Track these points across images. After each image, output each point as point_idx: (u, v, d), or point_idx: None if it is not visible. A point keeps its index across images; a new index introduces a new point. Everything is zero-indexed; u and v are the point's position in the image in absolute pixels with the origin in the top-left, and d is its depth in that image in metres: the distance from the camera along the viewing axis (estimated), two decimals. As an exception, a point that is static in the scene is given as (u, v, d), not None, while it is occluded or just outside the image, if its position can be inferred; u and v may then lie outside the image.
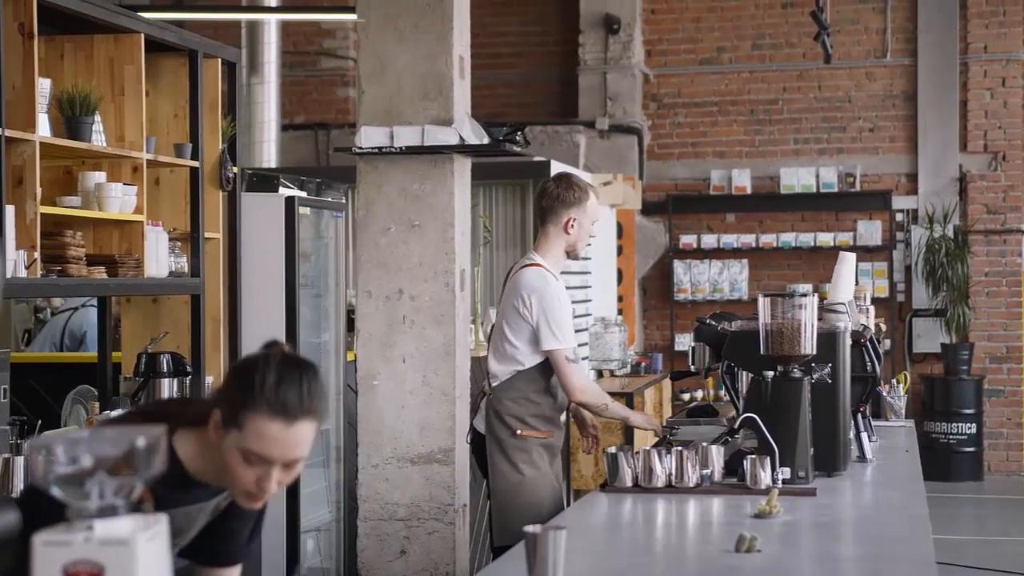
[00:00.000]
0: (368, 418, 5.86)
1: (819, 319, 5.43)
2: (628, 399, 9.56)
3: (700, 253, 13.27)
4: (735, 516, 4.05)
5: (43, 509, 2.25)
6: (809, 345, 4.66)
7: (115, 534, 1.87)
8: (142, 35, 5.33)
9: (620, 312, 12.44)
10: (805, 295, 4.74)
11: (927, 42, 13.00)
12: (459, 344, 5.87)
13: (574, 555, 3.46)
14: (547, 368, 5.27)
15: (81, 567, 1.85)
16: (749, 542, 3.52)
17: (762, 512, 4.02)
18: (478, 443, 5.41)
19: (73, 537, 1.87)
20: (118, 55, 5.32)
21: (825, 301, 5.47)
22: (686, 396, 12.23)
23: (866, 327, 5.96)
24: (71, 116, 4.95)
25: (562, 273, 5.44)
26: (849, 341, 5.02)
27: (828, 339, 4.84)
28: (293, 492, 6.40)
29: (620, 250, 12.64)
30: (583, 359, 10.27)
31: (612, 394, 9.41)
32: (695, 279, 13.25)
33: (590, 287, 10.59)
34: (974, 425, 12.55)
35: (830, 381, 4.83)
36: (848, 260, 6.00)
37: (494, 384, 5.30)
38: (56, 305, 9.07)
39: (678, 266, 13.27)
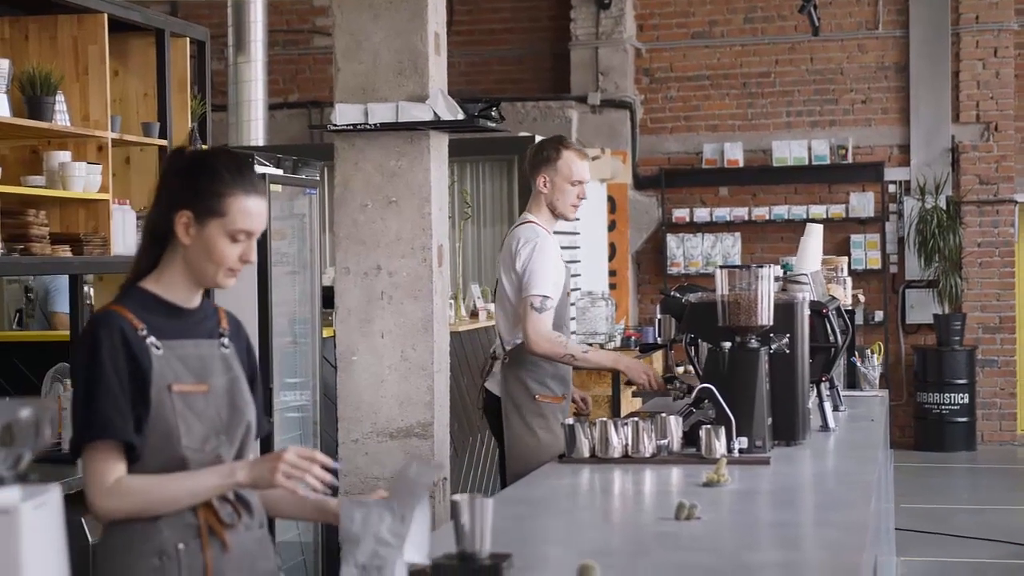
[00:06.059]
0: (347, 394, 5.89)
1: (783, 290, 5.47)
2: (614, 374, 9.58)
3: (693, 227, 13.29)
4: (685, 486, 4.09)
5: None
6: (766, 316, 4.69)
7: (-1, 503, 1.91)
8: (105, 15, 5.35)
9: (614, 286, 12.47)
10: (762, 267, 4.76)
11: (919, 13, 12.96)
12: (437, 319, 5.90)
13: (514, 523, 3.50)
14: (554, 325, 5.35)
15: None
16: (688, 510, 3.56)
17: (711, 481, 4.06)
18: (492, 406, 5.50)
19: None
20: (81, 35, 5.35)
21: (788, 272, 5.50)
22: (680, 369, 12.21)
23: (833, 298, 5.99)
24: (32, 96, 4.97)
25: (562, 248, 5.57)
26: (807, 312, 5.03)
27: (786, 310, 4.87)
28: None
29: (613, 225, 12.66)
30: (571, 333, 10.29)
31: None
32: (688, 253, 13.27)
33: (579, 261, 10.61)
34: (967, 395, 12.57)
35: (788, 351, 4.85)
36: (815, 232, 6.03)
37: (508, 348, 5.40)
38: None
39: (671, 240, 13.29)
